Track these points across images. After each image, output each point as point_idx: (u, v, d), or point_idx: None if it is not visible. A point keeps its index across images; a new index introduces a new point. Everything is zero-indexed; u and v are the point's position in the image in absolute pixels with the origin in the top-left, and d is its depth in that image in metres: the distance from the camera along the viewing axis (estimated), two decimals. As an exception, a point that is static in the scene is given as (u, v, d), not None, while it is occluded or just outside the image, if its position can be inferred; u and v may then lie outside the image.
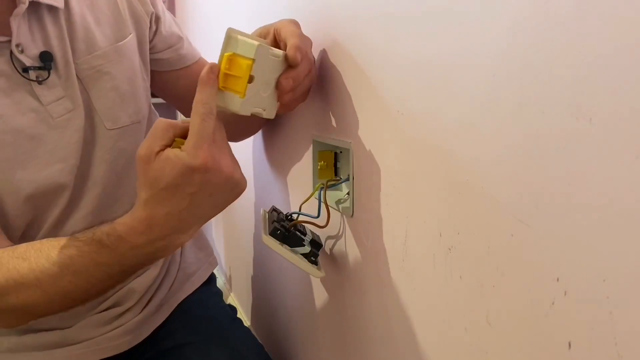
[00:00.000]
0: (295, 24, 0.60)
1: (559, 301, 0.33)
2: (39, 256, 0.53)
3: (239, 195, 0.52)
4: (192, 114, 0.48)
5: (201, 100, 0.48)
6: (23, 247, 0.56)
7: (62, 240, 0.54)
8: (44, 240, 0.55)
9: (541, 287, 0.34)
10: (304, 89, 0.60)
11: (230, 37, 0.50)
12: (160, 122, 0.50)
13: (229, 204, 0.52)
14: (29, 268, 0.53)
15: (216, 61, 0.51)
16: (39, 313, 0.57)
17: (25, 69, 0.61)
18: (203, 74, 0.49)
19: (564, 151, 0.31)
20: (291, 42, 0.55)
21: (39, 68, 0.62)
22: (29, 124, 0.62)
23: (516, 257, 0.36)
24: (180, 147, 0.49)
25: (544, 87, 0.32)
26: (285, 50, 0.56)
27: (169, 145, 0.49)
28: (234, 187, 0.51)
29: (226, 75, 0.50)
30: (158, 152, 0.48)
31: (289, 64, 0.56)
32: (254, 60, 0.50)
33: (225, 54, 0.50)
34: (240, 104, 0.51)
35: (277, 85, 0.56)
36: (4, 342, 0.72)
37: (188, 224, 0.51)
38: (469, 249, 0.41)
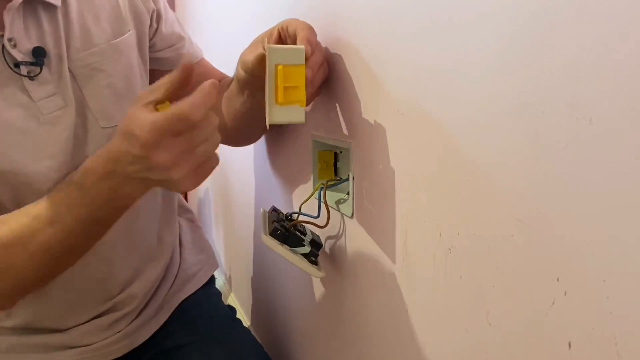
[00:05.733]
0: (298, 19, 0.60)
1: (559, 301, 0.33)
2: (19, 215, 0.56)
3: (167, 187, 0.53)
4: (180, 103, 0.48)
5: (193, 103, 0.47)
6: (5, 215, 0.57)
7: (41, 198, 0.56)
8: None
9: (541, 287, 0.34)
10: (319, 81, 0.60)
11: (272, 49, 0.49)
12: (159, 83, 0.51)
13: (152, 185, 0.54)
14: (9, 229, 0.55)
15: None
16: (26, 280, 0.57)
17: (17, 64, 0.61)
18: (210, 85, 0.48)
19: (564, 151, 0.31)
20: (301, 35, 0.55)
21: (31, 63, 0.62)
22: (17, 118, 0.61)
23: (516, 257, 0.36)
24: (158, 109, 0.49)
25: (544, 87, 0.32)
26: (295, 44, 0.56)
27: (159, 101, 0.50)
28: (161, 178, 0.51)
29: (285, 89, 0.49)
30: (146, 104, 0.49)
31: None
32: (304, 65, 0.49)
33: (279, 68, 0.49)
34: (304, 113, 0.50)
35: None
36: (3, 343, 0.72)
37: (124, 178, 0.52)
38: (469, 249, 0.41)
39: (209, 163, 0.52)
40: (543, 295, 0.34)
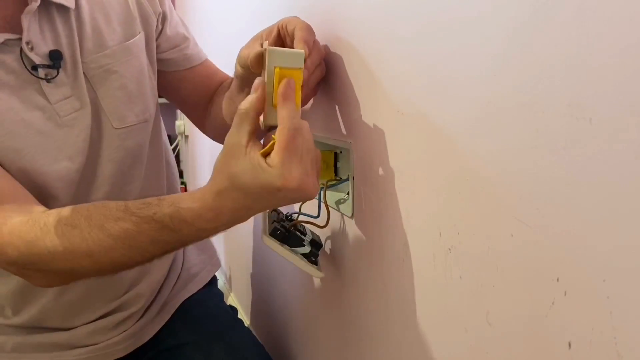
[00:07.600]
0: (298, 18, 0.60)
1: (559, 301, 0.33)
2: (91, 225, 0.52)
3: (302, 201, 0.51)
4: (279, 129, 0.47)
5: (288, 115, 0.47)
6: (68, 211, 0.55)
7: (112, 210, 0.53)
8: (91, 207, 0.55)
9: (541, 287, 0.34)
10: (315, 81, 0.60)
11: (273, 51, 0.49)
12: (241, 109, 0.49)
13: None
14: (81, 237, 0.52)
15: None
16: (84, 277, 0.58)
17: (35, 67, 0.62)
18: (283, 89, 0.48)
19: (564, 151, 0.31)
20: (299, 34, 0.55)
21: (48, 66, 0.62)
22: (36, 120, 0.62)
23: (516, 257, 0.36)
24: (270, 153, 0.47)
25: (544, 87, 0.32)
26: (293, 43, 0.56)
27: (255, 130, 0.49)
28: (304, 197, 0.50)
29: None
30: (247, 143, 0.48)
31: None
32: (302, 69, 0.50)
33: (276, 70, 0.49)
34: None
35: None
36: (8, 342, 0.72)
37: (250, 215, 0.51)
38: (469, 249, 0.41)
39: (316, 156, 0.50)
40: (543, 295, 0.34)
